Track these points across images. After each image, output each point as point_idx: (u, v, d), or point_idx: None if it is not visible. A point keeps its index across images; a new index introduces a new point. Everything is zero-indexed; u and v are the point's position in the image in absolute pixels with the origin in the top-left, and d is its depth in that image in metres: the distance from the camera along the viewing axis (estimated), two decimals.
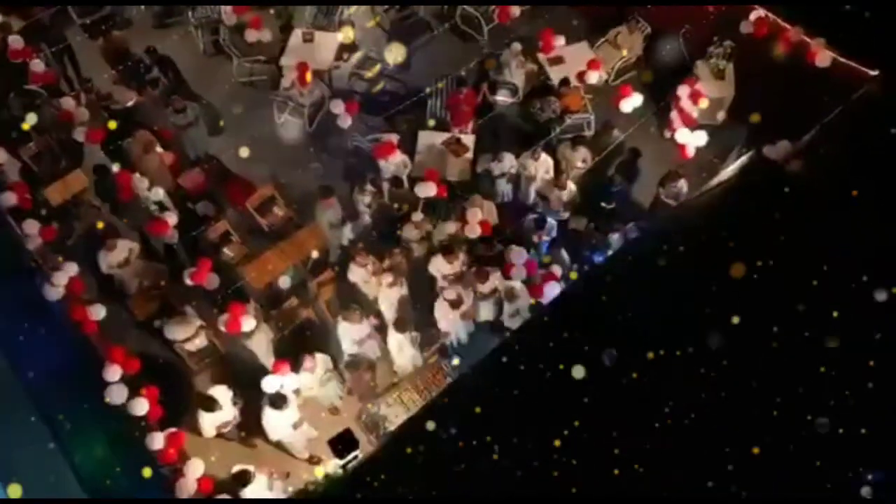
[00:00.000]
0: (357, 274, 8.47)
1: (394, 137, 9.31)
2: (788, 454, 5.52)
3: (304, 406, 7.90)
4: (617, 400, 5.94)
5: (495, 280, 8.23)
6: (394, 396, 8.15)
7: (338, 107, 9.34)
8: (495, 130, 10.10)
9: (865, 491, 5.31)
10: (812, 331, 5.88)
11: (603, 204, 9.31)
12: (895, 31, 7.80)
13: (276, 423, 7.43)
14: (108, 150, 9.53)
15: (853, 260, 6.21)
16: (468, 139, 9.78)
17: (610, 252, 8.46)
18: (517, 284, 8.16)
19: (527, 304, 8.15)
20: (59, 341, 7.52)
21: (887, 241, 6.32)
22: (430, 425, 6.00)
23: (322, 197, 8.87)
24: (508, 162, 9.30)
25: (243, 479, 6.97)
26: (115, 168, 9.13)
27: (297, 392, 7.71)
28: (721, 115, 10.07)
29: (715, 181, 8.48)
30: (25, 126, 9.06)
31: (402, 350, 8.17)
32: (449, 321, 8.22)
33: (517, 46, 10.29)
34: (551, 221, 8.95)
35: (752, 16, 9.09)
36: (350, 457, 6.40)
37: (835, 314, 5.87)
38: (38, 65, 9.85)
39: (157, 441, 6.98)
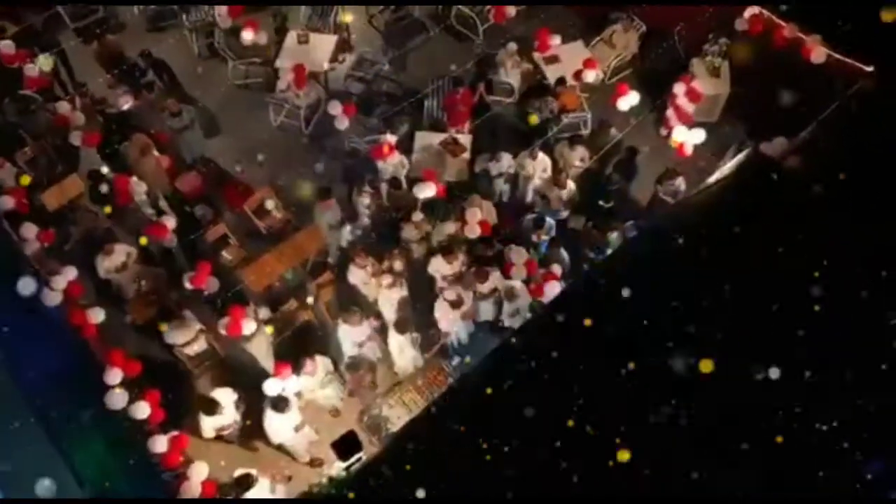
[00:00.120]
0: (357, 275, 8.46)
1: (391, 138, 9.31)
2: (788, 454, 5.53)
3: (304, 409, 7.89)
4: (617, 399, 5.95)
5: (495, 280, 8.23)
6: (395, 397, 8.14)
7: (335, 108, 9.34)
8: (492, 130, 10.10)
9: (865, 491, 5.33)
10: (811, 328, 5.89)
11: (601, 202, 9.34)
12: (889, 27, 7.83)
13: (278, 426, 7.42)
14: (105, 154, 9.49)
15: (851, 255, 6.23)
16: (465, 139, 9.78)
17: (609, 251, 8.48)
18: (517, 284, 8.16)
19: (527, 303, 8.16)
20: (57, 345, 7.50)
21: (885, 235, 6.34)
22: (432, 426, 6.00)
23: (321, 198, 8.86)
24: (506, 162, 9.30)
25: (246, 483, 6.97)
26: (105, 170, 9.09)
27: (298, 395, 7.70)
28: (717, 113, 10.10)
29: (713, 178, 8.50)
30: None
31: (403, 351, 8.17)
32: (449, 321, 8.22)
33: (512, 46, 10.30)
34: (550, 221, 8.96)
35: (747, 13, 9.13)
36: (353, 459, 6.40)
37: (834, 311, 5.89)
38: (32, 69, 9.81)
39: (161, 444, 6.96)
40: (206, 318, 8.46)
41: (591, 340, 6.15)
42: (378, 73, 10.84)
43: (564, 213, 9.23)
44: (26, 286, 7.29)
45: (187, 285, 8.21)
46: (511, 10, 10.45)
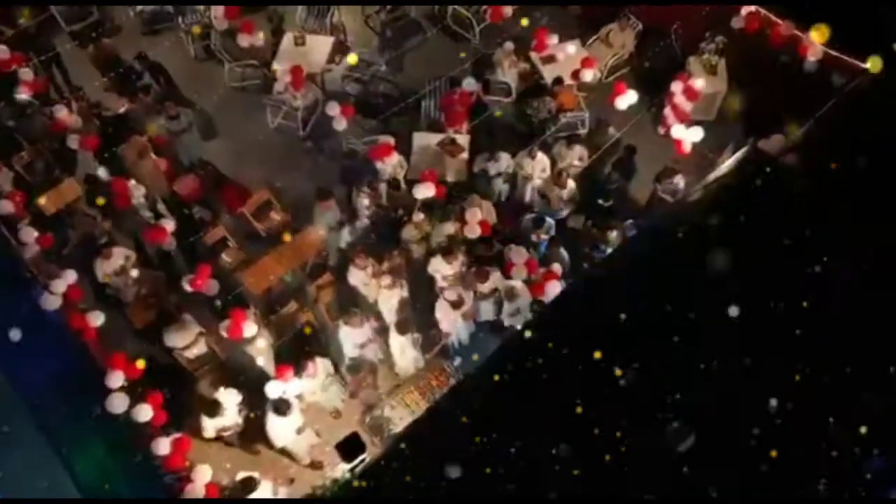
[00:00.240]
0: (357, 276, 8.45)
1: (390, 139, 9.30)
2: (788, 454, 5.54)
3: (306, 411, 7.87)
4: (618, 398, 5.95)
5: (495, 280, 8.23)
6: (397, 399, 8.14)
7: (333, 109, 9.32)
8: (490, 130, 10.10)
9: (865, 491, 5.34)
10: (811, 325, 5.91)
11: (600, 201, 9.34)
12: (886, 24, 7.86)
13: (280, 429, 7.40)
14: (103, 157, 9.46)
15: (850, 252, 6.24)
16: (463, 139, 9.78)
17: (609, 250, 8.49)
18: (517, 284, 8.16)
19: (527, 302, 8.16)
20: (57, 350, 7.47)
21: (883, 231, 6.36)
22: (433, 426, 5.99)
23: (321, 200, 8.85)
24: (505, 161, 9.31)
25: (249, 486, 6.96)
26: (102, 173, 9.05)
27: (299, 397, 7.69)
28: (715, 111, 10.12)
29: (711, 176, 8.51)
30: None
31: (404, 352, 8.16)
32: (450, 322, 8.21)
33: (509, 46, 10.30)
34: (549, 220, 8.97)
35: (744, 11, 9.14)
36: (358, 460, 6.39)
37: (834, 309, 5.90)
38: (27, 73, 9.77)
39: (163, 447, 6.94)
40: (205, 321, 8.43)
41: (592, 340, 6.16)
42: (375, 74, 10.83)
43: (564, 213, 9.23)
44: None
45: (187, 288, 8.18)
46: (508, 10, 10.45)
